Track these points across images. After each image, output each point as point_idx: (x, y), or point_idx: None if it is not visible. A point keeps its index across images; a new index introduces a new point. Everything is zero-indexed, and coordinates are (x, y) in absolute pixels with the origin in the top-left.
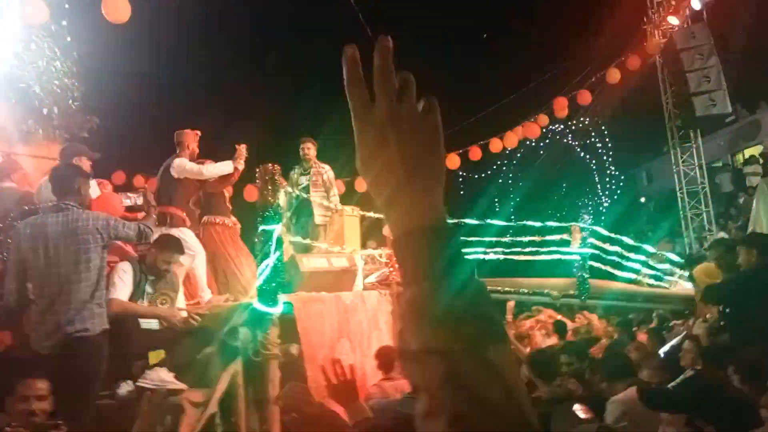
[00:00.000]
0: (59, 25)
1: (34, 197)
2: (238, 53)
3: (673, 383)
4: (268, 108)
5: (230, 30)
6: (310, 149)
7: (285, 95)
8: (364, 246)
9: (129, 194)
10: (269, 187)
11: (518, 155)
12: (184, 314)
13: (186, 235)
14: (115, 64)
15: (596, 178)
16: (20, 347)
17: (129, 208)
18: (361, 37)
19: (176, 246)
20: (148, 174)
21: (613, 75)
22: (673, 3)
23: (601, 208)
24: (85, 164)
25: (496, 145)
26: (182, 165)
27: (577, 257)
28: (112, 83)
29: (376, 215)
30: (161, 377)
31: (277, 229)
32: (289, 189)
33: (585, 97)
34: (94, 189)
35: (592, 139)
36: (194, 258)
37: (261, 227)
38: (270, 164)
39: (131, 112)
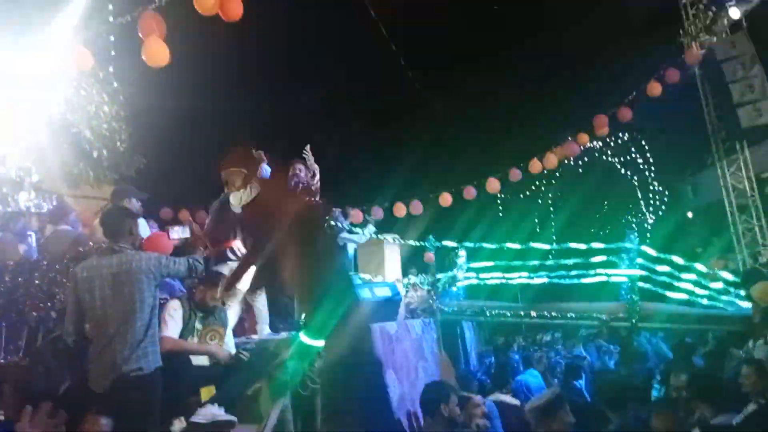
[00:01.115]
0: (106, 71)
1: (88, 239)
2: (277, 94)
3: (737, 419)
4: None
5: (271, 72)
6: (301, 171)
7: (321, 133)
8: (405, 274)
9: (176, 227)
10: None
11: (557, 175)
12: (233, 351)
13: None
14: (159, 105)
15: (639, 195)
16: (79, 386)
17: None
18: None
19: (220, 281)
20: (193, 208)
21: (654, 89)
22: (710, 14)
23: (646, 225)
24: (135, 205)
25: (535, 166)
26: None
27: (625, 279)
28: (157, 123)
29: (417, 243)
30: (213, 413)
31: None
32: (332, 223)
33: (625, 114)
34: (143, 228)
35: (633, 155)
36: (254, 294)
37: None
38: (312, 200)
39: (176, 150)
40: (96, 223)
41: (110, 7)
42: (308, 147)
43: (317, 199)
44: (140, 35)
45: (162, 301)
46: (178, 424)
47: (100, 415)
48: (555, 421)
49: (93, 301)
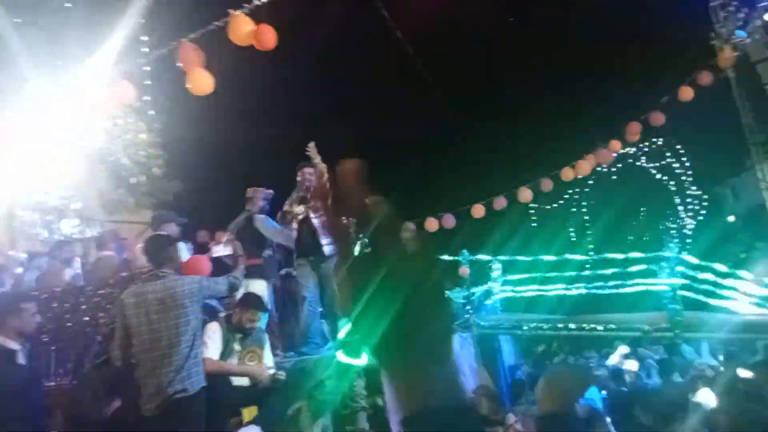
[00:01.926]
0: (142, 100)
1: (130, 264)
2: (309, 118)
3: None
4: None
5: (303, 97)
6: (312, 175)
7: (352, 152)
8: None
9: (218, 246)
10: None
11: (590, 182)
12: (272, 370)
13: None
14: (193, 132)
15: (677, 200)
16: (128, 410)
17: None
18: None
19: (257, 303)
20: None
21: (686, 93)
22: (742, 15)
23: (684, 231)
24: (175, 230)
25: (567, 174)
26: (263, 224)
27: (666, 288)
28: (192, 149)
29: (451, 257)
30: None
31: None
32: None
33: (657, 119)
34: (183, 252)
35: (669, 160)
36: None
37: None
38: (343, 218)
39: (210, 173)
40: (138, 248)
41: (146, 38)
42: (312, 145)
43: (329, 201)
44: (180, 65)
45: (202, 322)
46: None
47: None
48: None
49: (139, 326)
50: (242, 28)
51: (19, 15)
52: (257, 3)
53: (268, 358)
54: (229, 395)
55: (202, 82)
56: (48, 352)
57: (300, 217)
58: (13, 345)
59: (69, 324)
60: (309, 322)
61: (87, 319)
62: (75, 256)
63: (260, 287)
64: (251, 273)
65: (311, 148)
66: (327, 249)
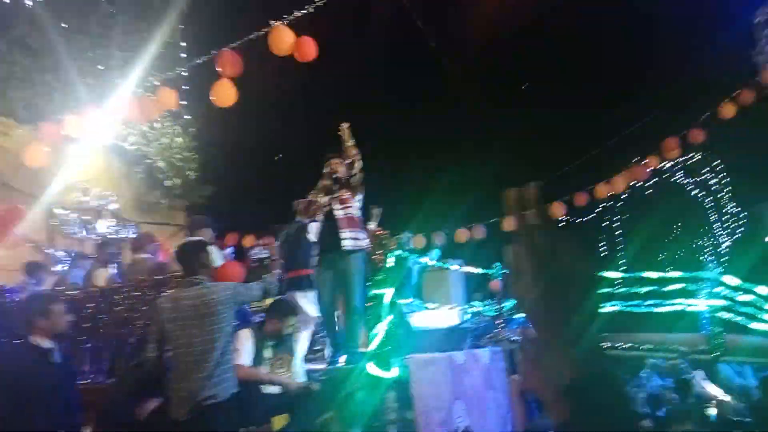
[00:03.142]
0: (179, 104)
1: (165, 267)
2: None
3: None
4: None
5: (335, 103)
6: (339, 166)
7: (385, 161)
8: (469, 301)
9: (256, 248)
10: (378, 251)
11: (623, 197)
12: (303, 378)
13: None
14: (226, 136)
15: (713, 218)
16: (160, 413)
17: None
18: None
19: (288, 310)
20: (258, 233)
21: (727, 110)
22: None
23: (720, 250)
24: (208, 234)
25: (602, 190)
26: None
27: (704, 309)
28: (224, 153)
29: (482, 270)
30: None
31: (389, 292)
32: (398, 251)
33: (697, 136)
34: (217, 256)
35: (706, 176)
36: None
37: (372, 291)
38: (378, 230)
39: (242, 177)
40: (171, 252)
41: (184, 44)
42: (346, 125)
43: (360, 194)
44: (218, 71)
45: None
46: None
47: None
48: None
49: (174, 331)
50: (284, 39)
51: (66, 21)
52: (298, 15)
53: (299, 366)
54: (259, 403)
55: (225, 93)
56: (83, 351)
57: (325, 209)
58: (47, 344)
59: (104, 324)
60: (330, 325)
61: (121, 320)
62: (117, 258)
63: (312, 298)
64: (303, 284)
65: (344, 129)
66: (347, 243)
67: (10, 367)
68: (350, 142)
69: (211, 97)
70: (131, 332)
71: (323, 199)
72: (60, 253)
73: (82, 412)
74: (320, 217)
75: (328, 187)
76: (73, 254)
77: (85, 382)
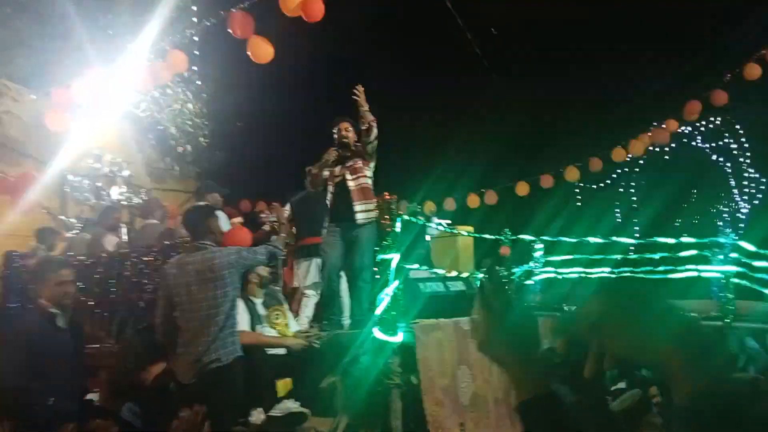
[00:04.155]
0: (190, 70)
1: (174, 232)
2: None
3: None
4: (384, 143)
5: (347, 67)
6: (349, 131)
7: (397, 125)
8: (479, 268)
9: (265, 212)
10: (386, 216)
11: (641, 162)
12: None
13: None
14: (238, 102)
15: (732, 183)
16: (168, 376)
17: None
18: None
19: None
20: (269, 200)
21: (752, 71)
22: None
23: (738, 215)
24: (217, 200)
25: (618, 154)
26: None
27: (719, 275)
28: (237, 119)
29: (492, 236)
30: (287, 406)
31: (396, 258)
32: (406, 216)
33: (720, 98)
34: (224, 222)
35: (726, 140)
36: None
37: (380, 256)
38: (386, 194)
39: (254, 144)
40: (179, 218)
41: (195, 7)
42: (360, 89)
43: (371, 161)
44: (232, 33)
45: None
46: (257, 414)
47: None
48: (642, 424)
49: (180, 296)
50: None
51: None
52: None
53: (291, 319)
54: (264, 367)
55: (262, 50)
56: (93, 315)
57: (337, 179)
58: (54, 309)
59: (113, 289)
60: (330, 293)
61: (131, 285)
62: (121, 223)
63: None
64: (312, 252)
65: (359, 92)
66: (360, 216)
67: (20, 330)
68: (366, 107)
69: (248, 52)
70: (140, 297)
71: (335, 169)
72: (72, 220)
73: (89, 376)
74: (332, 188)
75: (339, 156)
76: (84, 221)
77: (95, 346)
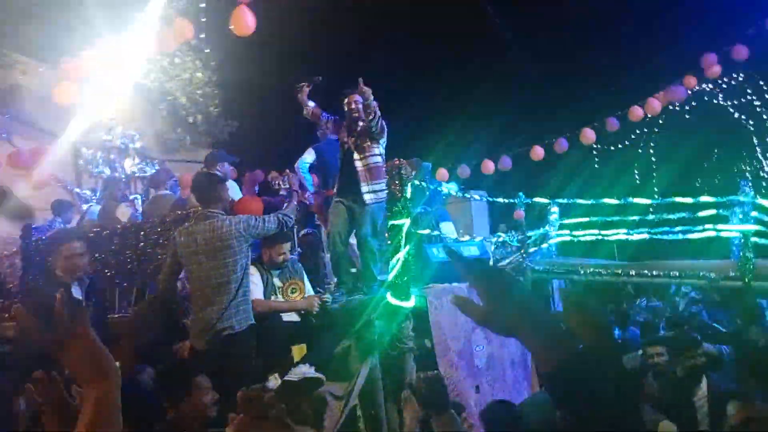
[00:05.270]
0: (198, 38)
1: (186, 202)
2: (363, 55)
3: None
4: (395, 108)
5: (357, 35)
6: (359, 104)
7: (409, 92)
8: (494, 231)
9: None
10: (396, 182)
11: (660, 122)
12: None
13: None
14: (249, 70)
15: (755, 141)
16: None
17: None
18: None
19: (281, 236)
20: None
21: None
22: None
23: (762, 174)
24: (227, 169)
25: (635, 113)
26: None
27: (738, 235)
28: (248, 87)
29: (506, 200)
30: (302, 371)
31: (407, 223)
32: (417, 181)
33: (741, 52)
34: (234, 191)
35: (748, 97)
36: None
37: (390, 222)
38: (396, 159)
39: (266, 112)
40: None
41: None
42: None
43: (380, 139)
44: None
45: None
46: (273, 381)
47: (201, 376)
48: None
49: (190, 265)
50: None
51: None
52: None
53: (309, 289)
54: (278, 333)
55: (243, 21)
56: (112, 285)
57: (345, 148)
58: (69, 279)
59: (129, 260)
60: (336, 257)
61: (145, 255)
62: (133, 194)
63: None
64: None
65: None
66: (367, 198)
67: (38, 301)
68: (367, 97)
69: (230, 26)
70: (155, 267)
71: (344, 136)
72: (87, 192)
73: (109, 345)
74: (341, 154)
75: (348, 128)
76: (98, 192)
77: (114, 316)
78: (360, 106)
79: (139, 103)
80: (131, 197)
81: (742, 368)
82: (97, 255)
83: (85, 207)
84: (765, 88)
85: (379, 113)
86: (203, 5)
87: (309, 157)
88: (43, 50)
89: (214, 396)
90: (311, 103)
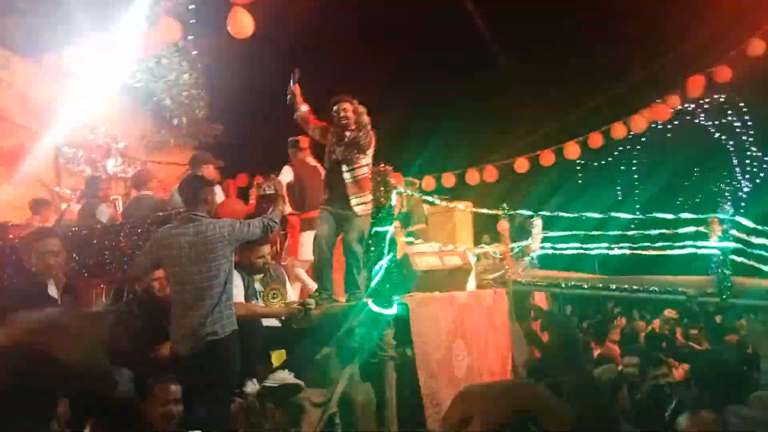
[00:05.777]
0: (186, 40)
1: (168, 204)
2: (347, 61)
3: None
4: (381, 116)
5: (341, 39)
6: (348, 111)
7: (393, 100)
8: (477, 242)
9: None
10: (382, 188)
11: (642, 139)
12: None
13: None
14: (235, 73)
15: (734, 161)
16: (164, 348)
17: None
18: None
19: (259, 239)
20: (267, 174)
21: (756, 46)
22: None
23: (740, 194)
24: (212, 171)
25: (618, 130)
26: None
27: (717, 252)
28: (234, 91)
29: (490, 212)
30: (282, 377)
31: (390, 230)
32: (401, 189)
33: (724, 74)
34: (219, 194)
35: (729, 118)
36: None
37: (374, 228)
38: (382, 165)
39: (252, 116)
40: (175, 189)
41: None
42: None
43: (369, 149)
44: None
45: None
46: (251, 385)
47: (171, 383)
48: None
49: (173, 267)
50: None
51: None
52: None
53: (292, 295)
54: (259, 338)
55: (241, 23)
56: (89, 286)
57: (333, 157)
58: (42, 277)
59: (108, 260)
60: (321, 264)
61: (125, 257)
62: (113, 194)
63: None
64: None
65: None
66: (358, 209)
67: (14, 300)
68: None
69: (227, 27)
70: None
71: (332, 144)
72: (67, 191)
73: None
74: (327, 164)
75: (337, 136)
76: (78, 192)
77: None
78: (349, 114)
79: (123, 103)
80: (112, 197)
81: (707, 386)
82: (75, 255)
83: (63, 206)
84: (745, 109)
85: (369, 126)
86: (192, 6)
87: (287, 175)
88: (24, 44)
89: (178, 407)
90: (304, 107)
